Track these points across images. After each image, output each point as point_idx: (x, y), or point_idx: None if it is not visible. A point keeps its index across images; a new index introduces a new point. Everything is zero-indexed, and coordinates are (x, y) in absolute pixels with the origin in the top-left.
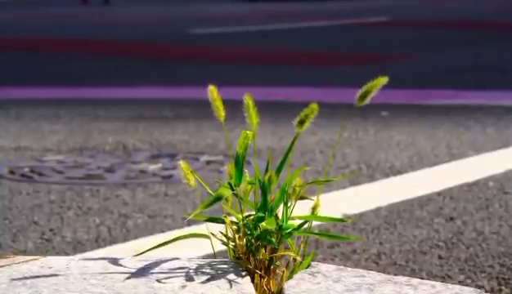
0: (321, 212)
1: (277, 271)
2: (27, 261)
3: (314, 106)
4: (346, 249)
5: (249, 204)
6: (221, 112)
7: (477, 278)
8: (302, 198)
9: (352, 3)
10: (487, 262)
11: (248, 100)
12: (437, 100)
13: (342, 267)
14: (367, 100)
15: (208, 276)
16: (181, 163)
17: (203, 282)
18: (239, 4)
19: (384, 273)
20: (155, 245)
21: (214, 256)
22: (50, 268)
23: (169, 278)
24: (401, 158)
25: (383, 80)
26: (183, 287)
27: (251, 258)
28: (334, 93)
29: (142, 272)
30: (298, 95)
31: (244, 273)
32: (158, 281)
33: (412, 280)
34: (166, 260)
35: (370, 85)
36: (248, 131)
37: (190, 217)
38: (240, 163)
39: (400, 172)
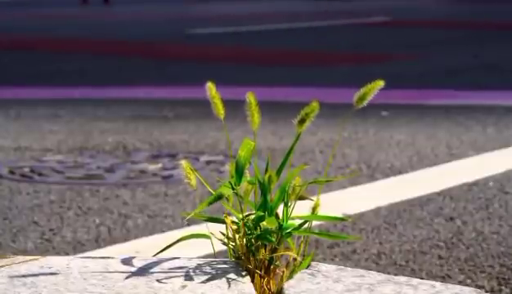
0: (321, 212)
1: (277, 271)
2: (27, 261)
3: (315, 104)
4: (346, 249)
5: (250, 204)
6: (220, 110)
7: (477, 278)
8: (301, 198)
9: (352, 3)
10: (487, 262)
11: (250, 98)
12: (437, 100)
13: (342, 267)
14: (365, 103)
15: (208, 276)
16: (183, 163)
17: (203, 282)
18: (239, 4)
19: (384, 273)
20: (157, 246)
21: (214, 255)
22: (50, 268)
23: (169, 278)
24: (401, 158)
25: (380, 83)
26: (183, 286)
27: (251, 258)
28: (334, 93)
29: (142, 272)
30: (298, 95)
31: (244, 273)
32: (158, 281)
33: (412, 280)
34: (166, 260)
35: (368, 88)
36: (250, 140)
37: (189, 216)
38: (240, 166)
39: (400, 172)
